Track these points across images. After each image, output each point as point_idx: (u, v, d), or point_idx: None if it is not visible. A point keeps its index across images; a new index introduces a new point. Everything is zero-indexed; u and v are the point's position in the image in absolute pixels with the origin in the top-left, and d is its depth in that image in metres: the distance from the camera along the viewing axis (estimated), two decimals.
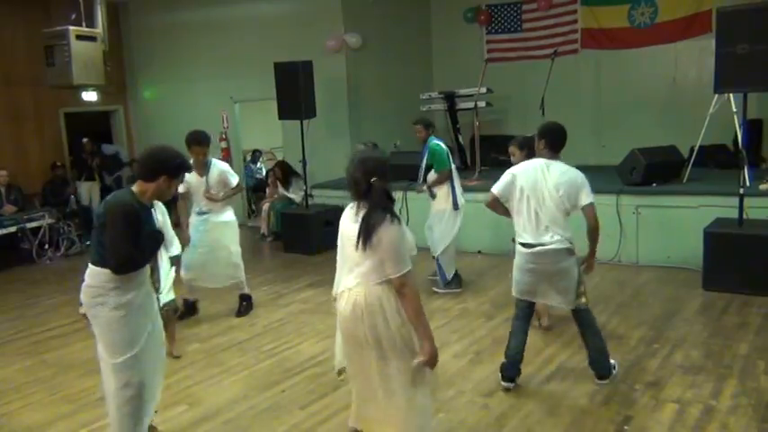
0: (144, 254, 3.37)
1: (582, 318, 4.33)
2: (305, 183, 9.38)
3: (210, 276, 6.08)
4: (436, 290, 6.66)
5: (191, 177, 5.72)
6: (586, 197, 4.14)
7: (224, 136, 10.99)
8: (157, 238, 3.52)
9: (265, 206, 10.16)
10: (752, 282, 6.00)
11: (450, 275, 6.65)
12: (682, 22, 9.34)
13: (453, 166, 6.59)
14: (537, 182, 4.17)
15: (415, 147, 6.93)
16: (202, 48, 10.81)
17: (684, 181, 7.60)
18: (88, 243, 9.41)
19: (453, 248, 6.64)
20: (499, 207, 4.38)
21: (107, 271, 3.28)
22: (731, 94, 7.00)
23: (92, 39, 7.94)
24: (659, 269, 7.07)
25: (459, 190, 6.56)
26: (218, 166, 6.02)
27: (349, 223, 3.01)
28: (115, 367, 3.38)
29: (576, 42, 10.15)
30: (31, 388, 4.86)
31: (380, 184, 2.92)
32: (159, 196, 3.49)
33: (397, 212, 2.96)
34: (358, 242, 2.89)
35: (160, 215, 4.42)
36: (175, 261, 4.89)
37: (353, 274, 2.99)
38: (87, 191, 10.64)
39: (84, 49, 7.75)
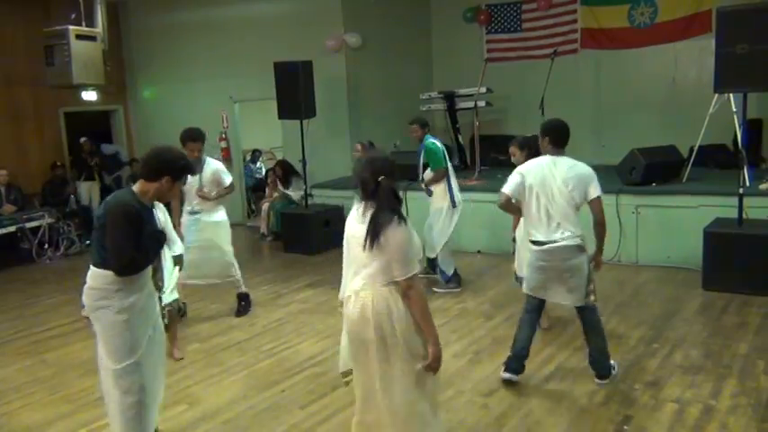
0: (146, 255, 3.34)
1: (587, 316, 4.33)
2: (305, 182, 9.38)
3: (204, 275, 6.05)
4: (436, 290, 6.66)
5: None
6: (595, 190, 4.17)
7: (224, 136, 11.01)
8: (159, 239, 3.50)
9: (265, 206, 10.15)
10: (751, 281, 6.00)
11: (449, 273, 6.66)
12: (681, 22, 9.34)
13: (449, 164, 6.59)
14: (545, 179, 4.18)
15: (414, 146, 6.94)
16: (202, 47, 10.80)
17: (684, 181, 7.60)
18: (88, 243, 9.45)
19: (450, 247, 6.65)
20: (512, 207, 4.38)
21: (110, 273, 3.24)
22: (731, 94, 7.00)
23: (91, 38, 7.94)
24: (659, 269, 7.07)
25: (456, 188, 6.57)
26: (213, 164, 6.00)
27: (356, 224, 2.99)
28: (116, 373, 3.34)
29: (576, 42, 10.15)
30: (30, 388, 4.86)
31: (388, 183, 2.91)
32: (160, 197, 3.45)
33: (404, 214, 2.94)
34: (366, 242, 2.88)
35: (162, 215, 4.42)
36: (178, 260, 4.89)
37: (360, 275, 2.97)
38: (87, 191, 10.64)
39: (83, 48, 7.76)
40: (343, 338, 3.24)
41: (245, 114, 11.30)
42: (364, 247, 2.89)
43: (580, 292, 4.22)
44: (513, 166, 5.40)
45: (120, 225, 3.19)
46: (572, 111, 9.08)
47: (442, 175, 6.49)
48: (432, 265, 6.87)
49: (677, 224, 7.05)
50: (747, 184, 6.41)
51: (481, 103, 9.58)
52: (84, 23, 8.04)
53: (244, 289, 6.34)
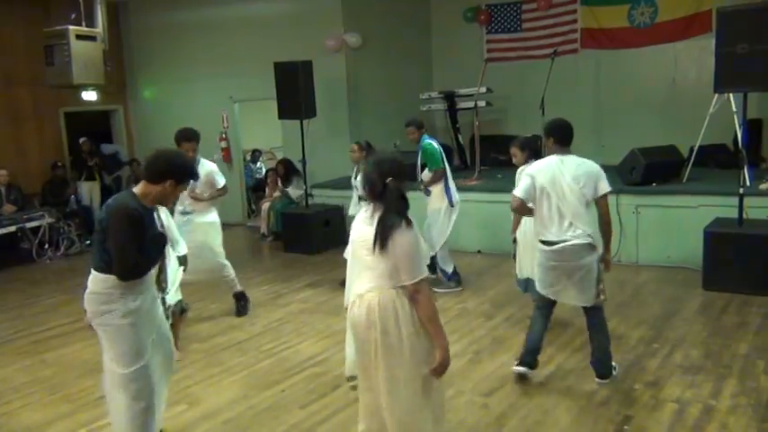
0: (149, 258, 3.29)
1: (594, 315, 4.34)
2: (305, 182, 9.38)
3: (195, 272, 6.02)
4: (436, 290, 6.65)
5: None
6: (605, 186, 4.20)
7: (224, 136, 11.02)
8: (161, 242, 3.43)
9: (265, 206, 10.16)
10: (751, 281, 6.00)
11: (449, 271, 6.67)
12: (681, 21, 9.33)
13: (447, 165, 6.60)
14: (555, 177, 4.19)
15: (414, 146, 6.94)
16: (202, 47, 10.80)
17: (684, 181, 7.60)
18: (88, 243, 9.46)
19: (447, 245, 6.65)
20: (525, 210, 4.38)
21: (112, 277, 3.17)
22: (731, 94, 7.00)
23: (92, 38, 7.93)
24: (659, 269, 7.07)
25: (453, 187, 6.58)
26: (207, 166, 5.98)
27: (363, 226, 2.95)
28: (125, 378, 3.26)
29: (576, 42, 10.14)
30: (30, 388, 4.86)
31: (396, 184, 2.89)
32: (162, 200, 3.37)
33: (411, 217, 2.92)
34: (374, 245, 2.85)
35: (164, 215, 4.41)
36: (183, 260, 4.89)
37: (366, 278, 2.94)
38: (88, 191, 10.64)
39: (83, 48, 7.75)
40: (348, 343, 3.22)
41: (245, 114, 11.31)
42: (373, 250, 2.86)
43: (591, 292, 4.23)
44: (514, 167, 5.45)
45: (123, 228, 3.12)
46: (572, 111, 9.03)
47: (440, 176, 6.50)
48: (431, 264, 6.87)
49: (677, 224, 7.05)
50: (747, 184, 6.41)
51: (481, 103, 9.57)
52: (84, 23, 8.04)
53: (239, 288, 6.33)
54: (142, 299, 3.28)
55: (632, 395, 4.23)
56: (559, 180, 4.17)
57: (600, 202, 4.22)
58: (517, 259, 5.47)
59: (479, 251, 8.25)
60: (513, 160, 5.43)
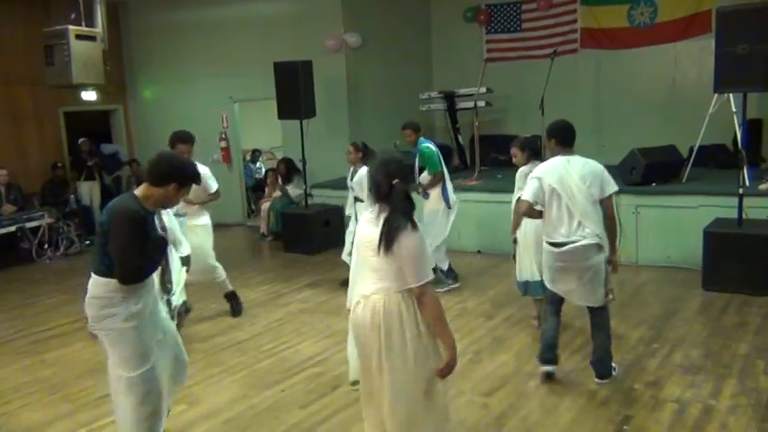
0: (151, 261, 3.25)
1: (599, 315, 4.35)
2: (305, 182, 9.38)
3: (189, 276, 6.02)
4: (437, 290, 6.65)
5: None
6: (612, 185, 4.23)
7: (224, 136, 11.01)
8: (162, 245, 3.38)
9: (265, 206, 10.16)
10: (751, 282, 6.00)
11: (445, 268, 6.68)
12: (681, 22, 9.34)
13: (444, 167, 6.61)
14: (563, 177, 4.20)
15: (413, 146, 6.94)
16: (202, 47, 10.79)
17: (684, 181, 7.60)
18: (87, 242, 9.46)
19: (444, 246, 6.66)
20: (535, 213, 4.36)
21: (113, 281, 3.12)
22: (731, 94, 7.00)
23: (91, 38, 7.93)
24: (659, 269, 7.08)
25: (450, 189, 6.58)
26: (200, 169, 5.95)
27: (369, 227, 2.93)
28: (131, 381, 3.21)
29: (576, 42, 10.15)
30: (30, 387, 4.86)
31: (402, 186, 2.88)
32: (164, 203, 3.33)
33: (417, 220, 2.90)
34: (380, 247, 2.83)
35: (165, 216, 4.40)
36: (186, 261, 4.88)
37: (371, 279, 2.92)
38: (88, 191, 10.63)
39: (83, 48, 7.75)
40: (350, 346, 3.20)
41: (245, 114, 11.30)
42: (378, 251, 2.84)
43: (600, 292, 4.24)
44: (514, 167, 5.45)
45: (125, 231, 3.07)
46: (572, 111, 9.06)
47: (439, 179, 6.51)
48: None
49: (677, 224, 7.05)
50: (747, 184, 6.41)
51: (481, 103, 9.58)
52: (83, 23, 8.03)
53: (230, 288, 6.33)
54: (144, 302, 3.24)
55: (632, 395, 4.23)
56: (567, 180, 4.18)
57: (605, 203, 4.23)
58: (517, 261, 5.46)
59: (479, 251, 8.25)
60: (514, 160, 5.42)
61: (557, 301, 4.48)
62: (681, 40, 9.32)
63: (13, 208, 9.22)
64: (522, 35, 10.64)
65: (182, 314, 4.86)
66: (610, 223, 4.26)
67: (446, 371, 2.90)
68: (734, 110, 7.08)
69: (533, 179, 4.31)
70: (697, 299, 6.10)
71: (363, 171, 6.49)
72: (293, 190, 9.90)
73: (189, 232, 5.88)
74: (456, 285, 6.71)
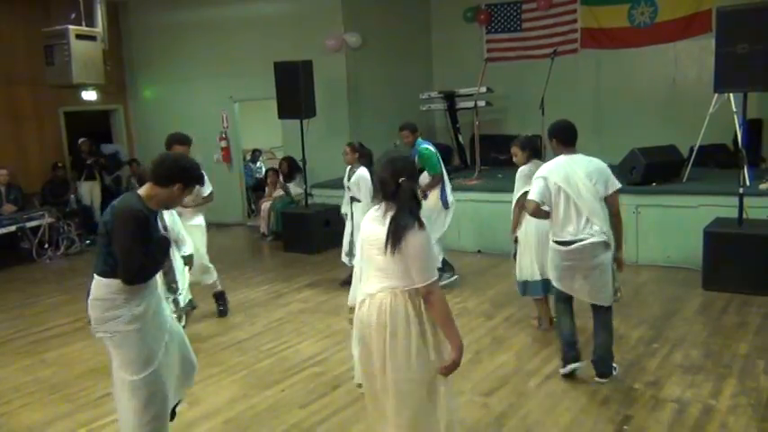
0: (155, 262, 3.21)
1: (603, 314, 4.35)
2: (305, 182, 9.39)
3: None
4: None
5: None
6: (615, 183, 4.25)
7: (224, 135, 11.01)
8: (165, 245, 3.35)
9: (265, 205, 10.16)
10: (751, 281, 6.00)
11: (439, 264, 6.68)
12: (681, 21, 9.33)
13: (443, 168, 6.61)
14: (568, 175, 4.21)
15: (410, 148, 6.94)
16: (202, 47, 10.80)
17: (684, 180, 7.60)
18: (88, 242, 9.46)
19: (440, 245, 6.65)
20: (542, 213, 4.36)
21: (117, 282, 3.08)
22: (731, 94, 7.00)
23: (91, 38, 7.94)
24: (659, 269, 7.08)
25: (449, 188, 6.59)
26: None
27: (375, 225, 2.90)
28: (134, 385, 3.16)
29: (576, 42, 10.15)
30: (30, 387, 4.86)
31: (409, 184, 2.86)
32: (167, 203, 3.30)
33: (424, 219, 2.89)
34: (386, 246, 2.81)
35: (167, 216, 4.39)
36: (188, 260, 4.88)
37: (377, 278, 2.90)
38: (88, 191, 10.63)
39: (83, 48, 7.76)
40: (354, 347, 3.19)
41: (245, 114, 11.30)
42: (385, 250, 2.82)
43: (607, 290, 4.25)
44: (514, 167, 5.45)
45: (129, 230, 3.03)
46: (572, 111, 9.06)
47: (438, 181, 6.52)
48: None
49: (677, 224, 7.05)
50: (747, 183, 6.41)
51: (481, 103, 9.58)
52: (83, 23, 8.05)
53: (220, 288, 6.33)
54: (147, 304, 3.19)
55: (632, 395, 4.23)
56: (573, 177, 4.20)
57: (610, 200, 4.25)
58: (517, 260, 5.45)
59: (479, 251, 8.25)
60: (514, 159, 5.42)
61: (566, 300, 4.47)
62: (681, 40, 9.31)
63: (13, 208, 9.22)
64: (522, 35, 10.64)
65: (188, 312, 4.85)
66: (616, 220, 4.27)
67: (450, 369, 2.89)
68: (734, 110, 7.08)
69: (539, 179, 4.31)
70: (697, 299, 6.10)
71: (360, 171, 6.50)
72: (294, 188, 9.91)
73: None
74: (454, 278, 6.69)
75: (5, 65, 9.98)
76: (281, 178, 10.21)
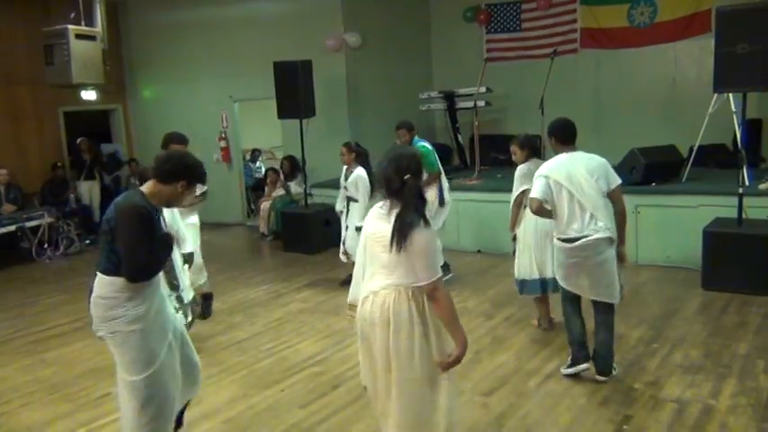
0: (158, 259, 3.18)
1: (605, 312, 4.35)
2: (305, 182, 9.39)
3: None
4: None
5: None
6: (616, 178, 4.27)
7: (223, 135, 11.01)
8: (168, 242, 3.32)
9: (265, 205, 10.16)
10: (751, 281, 6.01)
11: None
12: (681, 21, 9.33)
13: (440, 166, 6.61)
14: (570, 173, 4.22)
15: None
16: (202, 47, 10.79)
17: (684, 180, 7.61)
18: (87, 242, 9.46)
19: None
20: (545, 211, 4.36)
21: (120, 280, 3.05)
22: (730, 94, 7.00)
23: (91, 38, 7.93)
24: (659, 268, 7.08)
25: (446, 186, 6.60)
26: None
27: (379, 222, 2.89)
28: (134, 385, 3.15)
29: (576, 42, 10.14)
30: (30, 387, 4.85)
31: (414, 181, 2.86)
32: (170, 201, 3.28)
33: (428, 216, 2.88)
34: (392, 243, 2.79)
35: (168, 213, 4.38)
36: (188, 258, 4.87)
37: (381, 275, 2.89)
38: (88, 190, 10.61)
39: (83, 47, 7.75)
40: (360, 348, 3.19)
41: (244, 114, 11.30)
42: (390, 248, 2.81)
43: (613, 287, 4.26)
44: (514, 166, 5.45)
45: (133, 227, 3.00)
46: (572, 111, 9.03)
47: (435, 178, 6.52)
48: None
49: (677, 224, 7.05)
50: (747, 183, 6.41)
51: (481, 103, 9.58)
52: (83, 23, 8.04)
53: (207, 288, 6.31)
54: (149, 303, 3.16)
55: (632, 395, 4.23)
56: (575, 175, 4.20)
57: (613, 196, 4.26)
58: (516, 258, 5.44)
59: (479, 251, 8.25)
60: (513, 158, 5.42)
61: (573, 300, 4.47)
62: (680, 40, 9.31)
63: (13, 207, 9.22)
64: (521, 35, 10.63)
65: (194, 308, 4.83)
66: (620, 216, 4.28)
67: (452, 364, 2.88)
68: (734, 110, 7.08)
69: (540, 177, 4.31)
70: (697, 299, 6.10)
71: (358, 171, 6.52)
72: (295, 188, 9.91)
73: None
74: (449, 276, 6.69)
75: (5, 65, 9.98)
76: (282, 177, 10.21)
